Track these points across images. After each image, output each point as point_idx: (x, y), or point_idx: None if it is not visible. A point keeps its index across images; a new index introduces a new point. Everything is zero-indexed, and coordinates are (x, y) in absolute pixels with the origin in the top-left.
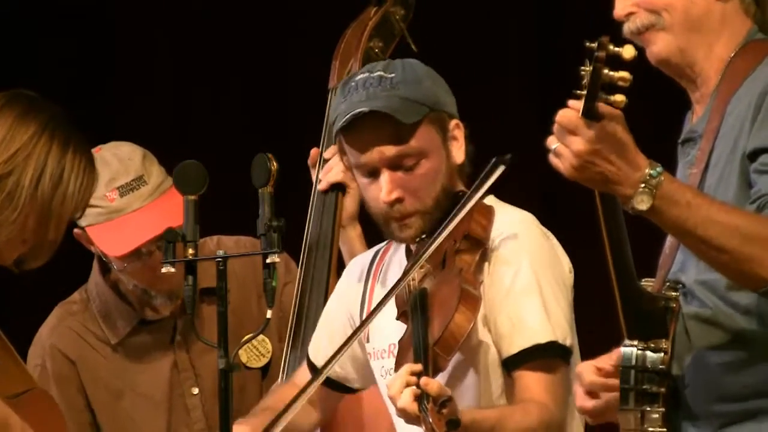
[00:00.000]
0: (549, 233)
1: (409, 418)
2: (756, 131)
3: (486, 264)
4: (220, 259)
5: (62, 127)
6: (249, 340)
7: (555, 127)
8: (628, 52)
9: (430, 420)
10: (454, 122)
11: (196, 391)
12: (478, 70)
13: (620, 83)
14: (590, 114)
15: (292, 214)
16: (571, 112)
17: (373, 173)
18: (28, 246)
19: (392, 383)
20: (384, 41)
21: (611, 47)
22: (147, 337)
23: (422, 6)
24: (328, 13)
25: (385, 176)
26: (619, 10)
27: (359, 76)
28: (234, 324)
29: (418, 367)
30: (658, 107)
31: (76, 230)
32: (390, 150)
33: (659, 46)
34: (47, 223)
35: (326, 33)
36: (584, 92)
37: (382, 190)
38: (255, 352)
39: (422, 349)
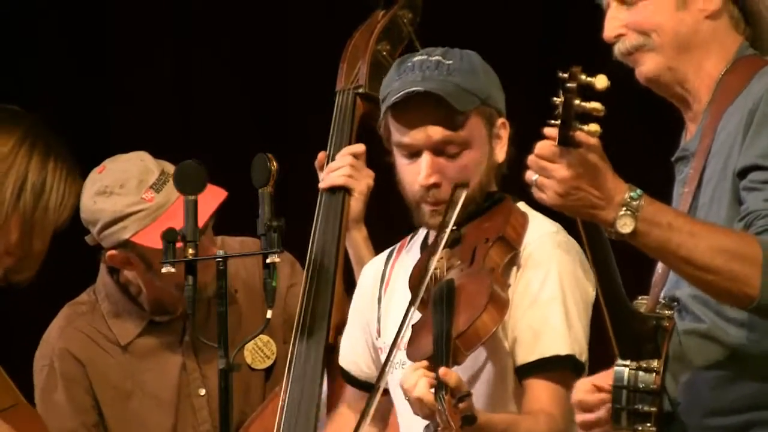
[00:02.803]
0: (577, 245)
1: (424, 410)
2: (746, 149)
3: (514, 268)
4: (220, 259)
5: (43, 137)
6: (249, 340)
7: (533, 160)
8: (600, 82)
9: (446, 412)
10: (501, 120)
11: (203, 392)
12: None
13: (593, 113)
14: (566, 142)
15: (292, 214)
16: (547, 143)
17: (415, 154)
18: (14, 259)
19: (408, 375)
20: (392, 44)
21: (583, 77)
22: (156, 339)
23: (429, 10)
24: (330, 13)
25: (427, 159)
26: (609, 31)
27: (416, 58)
28: (241, 327)
29: (425, 363)
30: (656, 124)
31: (111, 252)
32: (437, 133)
33: (648, 66)
34: (31, 234)
35: (327, 33)
36: (558, 122)
37: (421, 173)
38: (260, 353)
39: (444, 339)
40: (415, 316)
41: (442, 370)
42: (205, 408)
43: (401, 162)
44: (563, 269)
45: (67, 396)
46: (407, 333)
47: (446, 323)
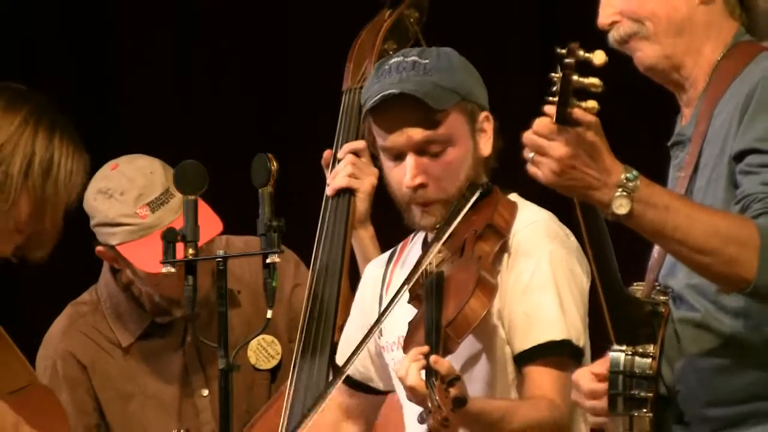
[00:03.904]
0: (569, 233)
1: (416, 396)
2: (742, 133)
3: (505, 256)
4: (220, 259)
5: (48, 114)
6: (250, 340)
7: (529, 137)
8: (598, 57)
9: (437, 397)
10: (484, 114)
11: (206, 392)
12: (490, 71)
13: (591, 89)
14: (563, 119)
15: (292, 214)
16: (545, 120)
17: (399, 157)
18: (25, 236)
19: (400, 363)
20: (398, 44)
21: (581, 53)
22: (158, 340)
23: (436, 9)
24: (333, 13)
25: (411, 161)
26: (603, 18)
27: (393, 60)
28: (246, 328)
29: (426, 348)
30: (650, 108)
31: (99, 248)
32: (418, 134)
33: (644, 54)
34: (42, 211)
35: (327, 32)
36: (556, 99)
37: (407, 175)
38: (264, 353)
39: (434, 329)
40: (412, 313)
41: (432, 357)
42: (208, 409)
43: (387, 165)
44: (555, 256)
45: (70, 397)
46: (397, 326)
47: (435, 313)
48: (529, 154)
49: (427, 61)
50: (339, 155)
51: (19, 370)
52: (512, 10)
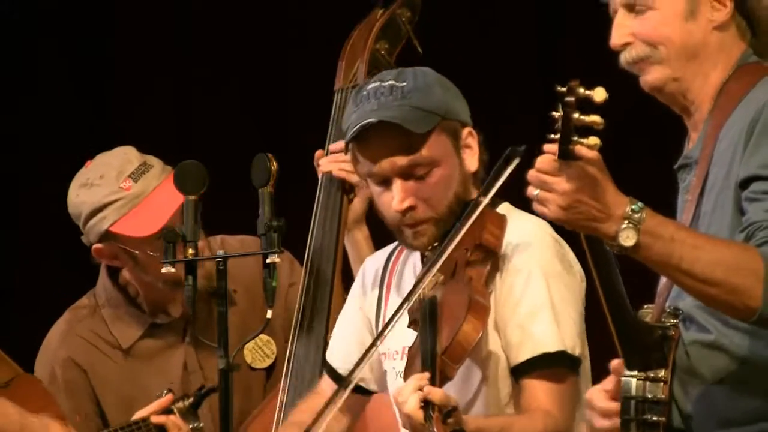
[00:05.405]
0: (562, 241)
1: (412, 424)
2: (747, 159)
3: (498, 273)
4: (220, 259)
5: None
6: (249, 341)
7: (533, 175)
8: (599, 95)
9: (435, 429)
10: (467, 130)
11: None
12: (483, 72)
13: (593, 126)
14: (566, 156)
15: (292, 214)
16: (547, 157)
17: (386, 182)
18: None
19: (402, 392)
20: (390, 43)
21: (581, 91)
22: (157, 341)
23: (428, 9)
24: (329, 13)
25: (398, 185)
26: (616, 39)
27: (371, 85)
28: (241, 326)
29: (426, 376)
30: (659, 131)
31: (96, 246)
32: (401, 160)
33: (653, 76)
34: None
35: (326, 32)
36: (558, 136)
37: (395, 199)
38: (260, 353)
39: (430, 358)
40: (412, 337)
41: (426, 389)
42: (205, 407)
43: (375, 190)
44: (544, 266)
45: (71, 403)
46: (399, 334)
47: (431, 341)
48: (533, 192)
49: (404, 84)
50: (332, 147)
51: (1, 366)
52: (509, 8)
